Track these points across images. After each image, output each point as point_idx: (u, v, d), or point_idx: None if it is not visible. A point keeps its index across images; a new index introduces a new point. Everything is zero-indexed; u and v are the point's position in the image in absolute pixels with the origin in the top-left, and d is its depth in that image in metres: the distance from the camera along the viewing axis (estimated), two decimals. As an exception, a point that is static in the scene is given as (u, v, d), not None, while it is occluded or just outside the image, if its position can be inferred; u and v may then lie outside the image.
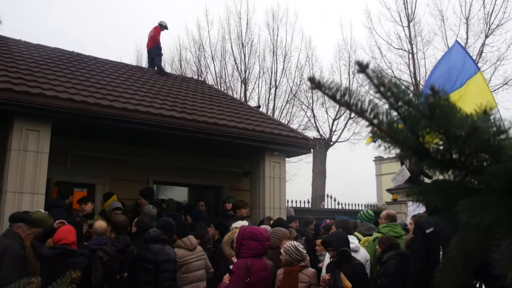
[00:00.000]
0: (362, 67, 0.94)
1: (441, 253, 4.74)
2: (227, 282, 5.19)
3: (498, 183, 0.96)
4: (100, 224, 6.48)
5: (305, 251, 5.59)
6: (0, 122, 7.60)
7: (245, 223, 7.90)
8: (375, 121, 1.04)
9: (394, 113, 1.03)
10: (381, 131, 1.06)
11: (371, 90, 1.03)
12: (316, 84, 1.05)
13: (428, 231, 4.94)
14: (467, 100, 7.71)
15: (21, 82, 7.70)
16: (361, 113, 1.04)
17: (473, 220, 0.87)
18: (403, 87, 0.93)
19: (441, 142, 1.04)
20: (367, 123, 1.06)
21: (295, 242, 5.72)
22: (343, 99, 1.03)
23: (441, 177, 1.16)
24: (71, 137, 9.03)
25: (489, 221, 0.86)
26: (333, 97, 1.05)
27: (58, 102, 7.62)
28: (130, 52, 68.81)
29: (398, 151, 1.09)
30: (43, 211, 6.46)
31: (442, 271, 0.98)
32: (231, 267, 5.83)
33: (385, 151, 1.13)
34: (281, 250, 5.54)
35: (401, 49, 23.02)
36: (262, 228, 5.73)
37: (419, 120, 0.96)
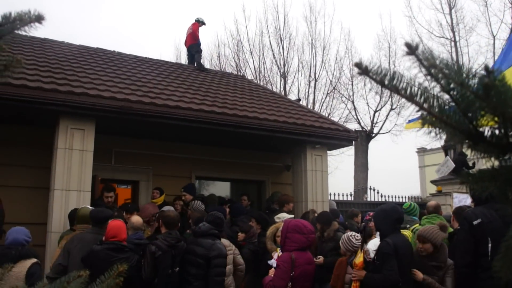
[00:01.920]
0: (412, 49, 0.91)
1: (489, 245, 4.61)
2: (272, 276, 5.19)
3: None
4: (137, 219, 6.60)
5: (358, 243, 5.61)
6: (47, 122, 7.77)
7: (287, 216, 7.89)
8: (425, 105, 1.01)
9: (446, 96, 1.00)
10: (432, 116, 1.02)
11: (420, 73, 0.99)
12: (363, 69, 1.02)
13: (475, 222, 4.80)
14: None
15: (65, 82, 7.87)
16: (410, 98, 1.00)
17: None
18: (455, 67, 0.89)
19: (496, 125, 0.99)
20: (417, 108, 1.02)
21: (350, 233, 5.83)
22: (392, 84, 1.00)
23: (496, 163, 1.11)
24: (115, 135, 9.18)
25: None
26: (381, 82, 1.02)
27: (101, 101, 7.75)
28: (169, 50, 69.57)
29: (449, 136, 1.05)
30: (89, 207, 6.57)
31: (501, 260, 0.94)
32: (269, 262, 5.85)
33: (435, 137, 1.09)
34: (340, 242, 5.86)
35: (443, 37, 22.55)
36: (306, 221, 5.70)
37: (473, 102, 0.92)
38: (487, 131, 1.01)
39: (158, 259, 5.55)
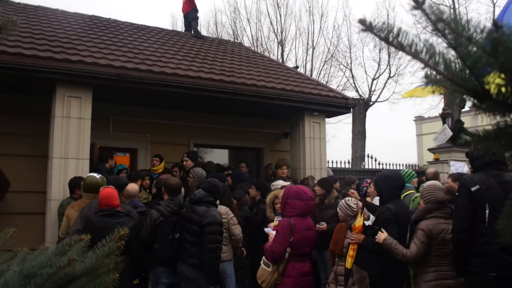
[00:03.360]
0: (418, 3, 0.89)
1: (487, 211, 4.62)
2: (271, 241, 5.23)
3: None
4: (132, 186, 6.67)
5: (356, 207, 5.65)
6: (44, 90, 7.71)
7: (283, 183, 7.92)
8: (431, 62, 0.99)
9: (452, 53, 0.98)
10: (437, 72, 1.00)
11: (427, 29, 0.97)
12: (367, 26, 1.00)
13: (473, 189, 4.79)
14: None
15: (61, 50, 7.78)
16: (415, 55, 0.99)
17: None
18: (463, 21, 0.87)
19: (503, 83, 0.98)
20: (422, 65, 1.01)
21: (347, 198, 5.86)
22: (397, 41, 0.98)
23: (501, 122, 1.10)
24: (112, 103, 9.13)
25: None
26: (386, 39, 1.00)
27: (97, 68, 7.69)
28: (165, 18, 68.80)
29: (454, 93, 1.03)
30: (96, 175, 6.56)
31: (505, 218, 0.94)
32: (265, 229, 5.91)
33: (440, 99, 1.07)
34: (338, 208, 5.85)
35: (442, 4, 22.27)
36: (307, 188, 5.72)
37: (480, 58, 0.90)
38: (493, 89, 1.00)
39: (158, 225, 5.60)
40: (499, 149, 1.06)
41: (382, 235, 4.96)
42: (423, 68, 1.00)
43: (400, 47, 0.98)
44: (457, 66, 0.99)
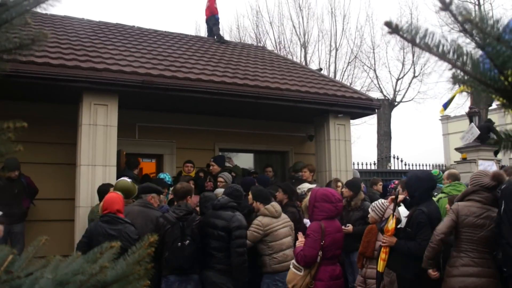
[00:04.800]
0: (445, 5, 0.88)
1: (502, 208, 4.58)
2: (302, 245, 5.20)
3: None
4: None
5: (388, 209, 5.59)
6: (71, 99, 7.83)
7: (308, 186, 7.92)
8: (458, 63, 0.98)
9: (480, 53, 0.97)
10: (465, 73, 0.99)
11: (454, 29, 0.96)
12: (393, 28, 0.99)
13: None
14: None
15: (87, 59, 7.90)
16: (442, 56, 0.98)
17: None
18: (490, 21, 0.86)
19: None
20: (449, 66, 1.00)
21: (380, 200, 5.79)
22: (423, 42, 0.98)
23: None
24: (138, 109, 9.24)
25: None
26: (412, 41, 0.99)
27: (123, 76, 7.78)
28: (189, 26, 69.26)
29: (482, 94, 1.02)
30: (127, 179, 6.60)
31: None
32: (305, 220, 5.93)
33: (466, 97, 1.06)
34: (369, 209, 5.77)
35: (467, 1, 22.00)
36: (333, 190, 5.68)
37: (510, 58, 0.89)
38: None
39: (166, 233, 5.53)
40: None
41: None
42: (451, 69, 0.99)
43: (427, 48, 0.98)
44: (485, 66, 0.98)
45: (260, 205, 6.27)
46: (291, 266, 5.22)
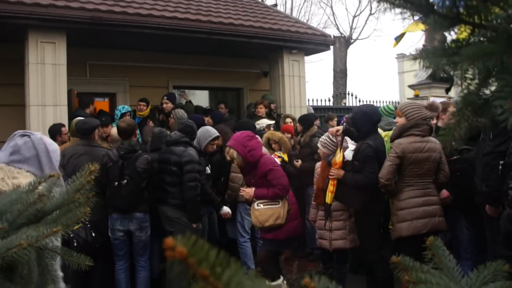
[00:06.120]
0: None
1: None
2: (254, 190, 5.29)
3: (504, 33, 0.92)
4: (115, 130, 6.42)
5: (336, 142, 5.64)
6: (16, 37, 7.55)
7: (267, 122, 7.97)
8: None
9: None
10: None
11: None
12: None
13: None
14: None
15: (31, -6, 7.58)
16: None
17: (477, 66, 0.84)
18: None
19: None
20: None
21: (326, 134, 5.80)
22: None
23: (449, 37, 1.12)
24: (88, 47, 8.97)
25: (492, 67, 0.83)
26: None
27: (69, 12, 7.51)
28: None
29: (401, 9, 1.04)
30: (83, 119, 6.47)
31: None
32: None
33: (386, 12, 1.07)
34: (318, 144, 5.71)
35: None
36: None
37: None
38: (437, 3, 1.01)
39: (108, 170, 5.47)
40: (447, 64, 1.08)
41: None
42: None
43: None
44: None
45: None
46: (258, 207, 5.23)
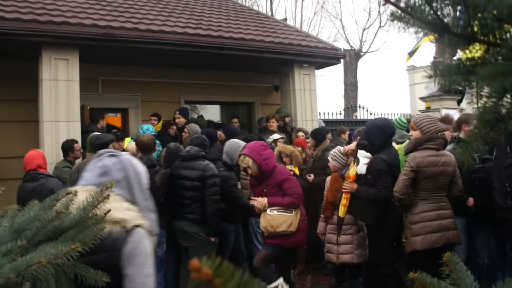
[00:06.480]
0: None
1: None
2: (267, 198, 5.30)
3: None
4: (132, 145, 6.52)
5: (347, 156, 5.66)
6: (30, 54, 7.64)
7: (278, 136, 7.98)
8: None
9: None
10: (398, 8, 1.02)
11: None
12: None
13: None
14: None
15: (44, 12, 7.68)
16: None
17: (493, 85, 0.84)
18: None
19: (459, 15, 1.00)
20: (382, 1, 1.02)
21: (338, 147, 5.83)
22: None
23: (463, 55, 1.13)
24: (100, 63, 9.07)
25: (508, 87, 0.84)
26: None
27: (82, 29, 7.62)
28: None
29: (415, 29, 1.05)
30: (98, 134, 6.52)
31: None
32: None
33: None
34: (329, 157, 5.78)
35: None
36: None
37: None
38: (451, 22, 1.02)
39: None
40: (461, 81, 1.09)
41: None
42: (384, 4, 1.02)
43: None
44: (416, 1, 1.01)
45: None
46: (272, 212, 5.25)
